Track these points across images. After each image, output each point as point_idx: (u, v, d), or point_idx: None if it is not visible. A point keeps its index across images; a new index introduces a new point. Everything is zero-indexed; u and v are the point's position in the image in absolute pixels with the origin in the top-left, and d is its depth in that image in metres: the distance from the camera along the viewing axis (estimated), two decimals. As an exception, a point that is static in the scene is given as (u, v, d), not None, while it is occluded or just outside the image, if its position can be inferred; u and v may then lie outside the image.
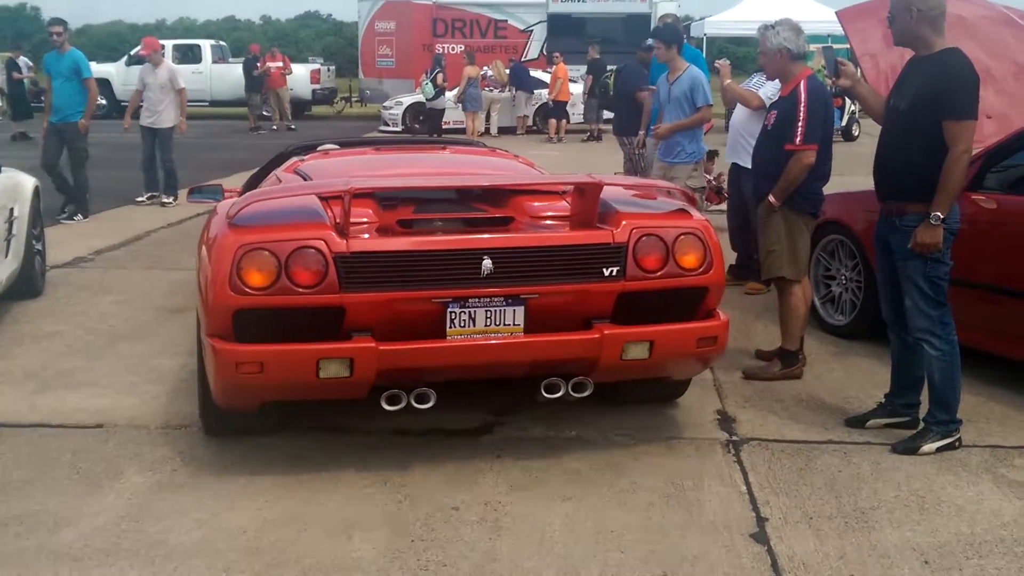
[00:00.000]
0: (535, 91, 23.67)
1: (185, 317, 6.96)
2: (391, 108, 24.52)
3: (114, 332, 6.60)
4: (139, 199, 11.94)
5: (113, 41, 52.65)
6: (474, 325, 4.11)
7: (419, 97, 21.82)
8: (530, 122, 24.09)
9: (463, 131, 21.87)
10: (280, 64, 25.27)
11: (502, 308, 4.12)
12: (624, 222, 4.30)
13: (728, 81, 7.55)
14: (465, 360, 4.12)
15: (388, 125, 24.45)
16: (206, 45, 29.82)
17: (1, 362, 5.88)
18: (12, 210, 6.95)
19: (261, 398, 4.23)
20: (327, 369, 3.94)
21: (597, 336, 4.16)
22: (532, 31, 27.95)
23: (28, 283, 7.32)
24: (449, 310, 4.08)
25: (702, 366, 4.64)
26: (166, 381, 5.59)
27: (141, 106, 12.05)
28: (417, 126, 22.14)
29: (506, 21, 28.00)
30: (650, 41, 8.17)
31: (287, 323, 3.95)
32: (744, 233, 7.85)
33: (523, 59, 26.26)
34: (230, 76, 27.74)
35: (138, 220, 11.02)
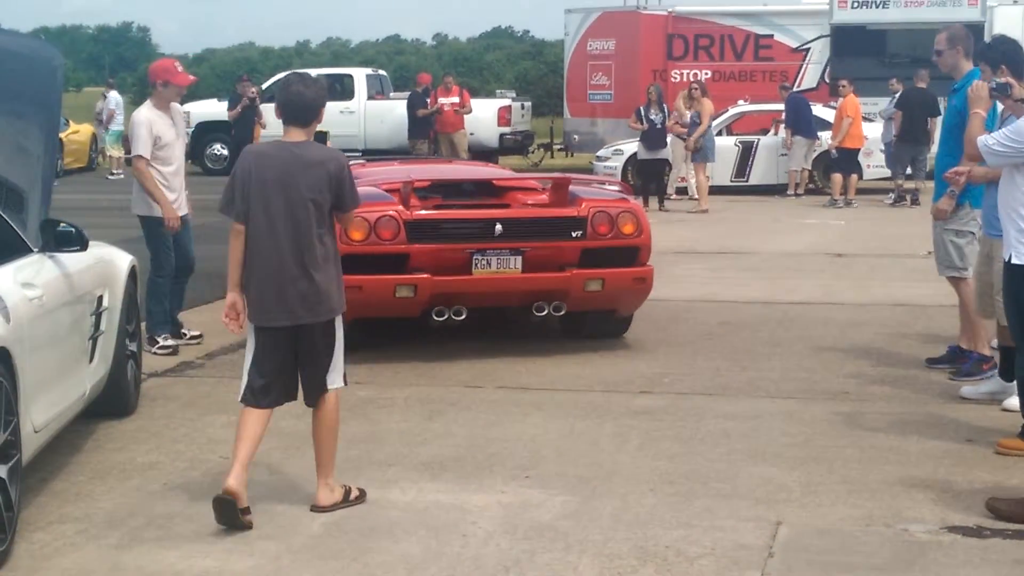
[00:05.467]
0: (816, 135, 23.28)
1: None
2: (607, 159, 24.80)
3: (224, 466, 6.85)
4: (160, 348, 9.84)
5: (242, 69, 55.84)
6: (490, 267, 9.25)
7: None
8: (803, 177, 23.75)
9: (685, 192, 21.81)
10: (456, 100, 26.02)
11: (508, 256, 9.26)
12: (584, 203, 9.53)
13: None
14: (484, 289, 9.32)
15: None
16: (360, 75, 31.20)
17: (79, 504, 6.20)
18: (101, 298, 7.40)
19: (357, 313, 8.16)
20: (400, 291, 9.08)
21: (568, 275, 9.35)
22: (809, 50, 27.86)
23: (117, 396, 7.74)
24: (474, 257, 9.22)
25: (639, 301, 9.94)
26: (290, 535, 5.75)
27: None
28: (640, 182, 22.25)
29: (772, 36, 28.04)
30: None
31: (375, 263, 8.81)
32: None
33: (797, 88, 26.14)
34: (391, 116, 28.81)
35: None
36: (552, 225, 9.48)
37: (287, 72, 6.90)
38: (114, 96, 31.18)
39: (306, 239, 5.95)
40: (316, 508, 6.07)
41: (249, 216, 5.98)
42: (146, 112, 9.71)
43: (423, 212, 9.31)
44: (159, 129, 9.61)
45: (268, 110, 26.03)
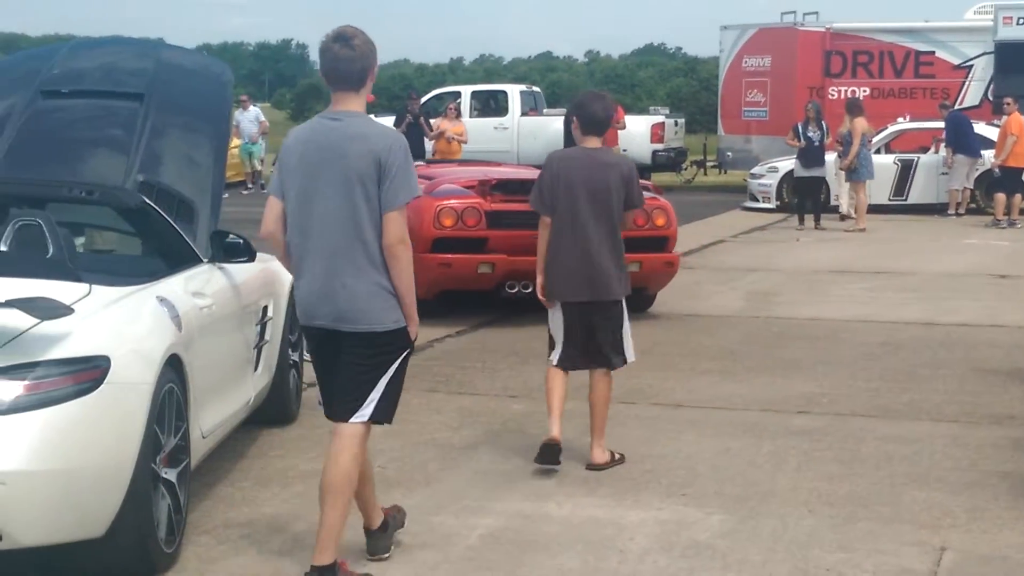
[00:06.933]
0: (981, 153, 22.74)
1: (476, 460, 7.22)
2: (761, 177, 24.63)
3: (382, 476, 6.93)
4: None
5: (397, 86, 56.60)
6: None
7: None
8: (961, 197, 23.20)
9: (839, 212, 21.43)
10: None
11: None
12: None
13: None
14: None
15: (757, 200, 24.51)
16: (514, 92, 31.44)
17: (242, 509, 6.36)
18: (266, 308, 7.57)
19: (444, 286, 11.49)
20: (481, 268, 11.44)
21: None
22: (972, 67, 27.28)
23: (279, 405, 7.90)
24: None
25: (666, 281, 12.13)
26: (448, 546, 5.82)
27: None
28: (796, 200, 21.98)
29: (933, 53, 27.54)
30: None
31: (461, 245, 11.13)
32: None
33: (958, 106, 25.63)
34: (544, 133, 28.94)
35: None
36: None
37: (582, 92, 7.76)
38: (253, 109, 31.76)
39: (604, 230, 7.07)
40: (592, 466, 7.01)
41: (556, 210, 7.08)
42: None
43: (499, 204, 11.61)
44: None
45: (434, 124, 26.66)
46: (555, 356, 7.19)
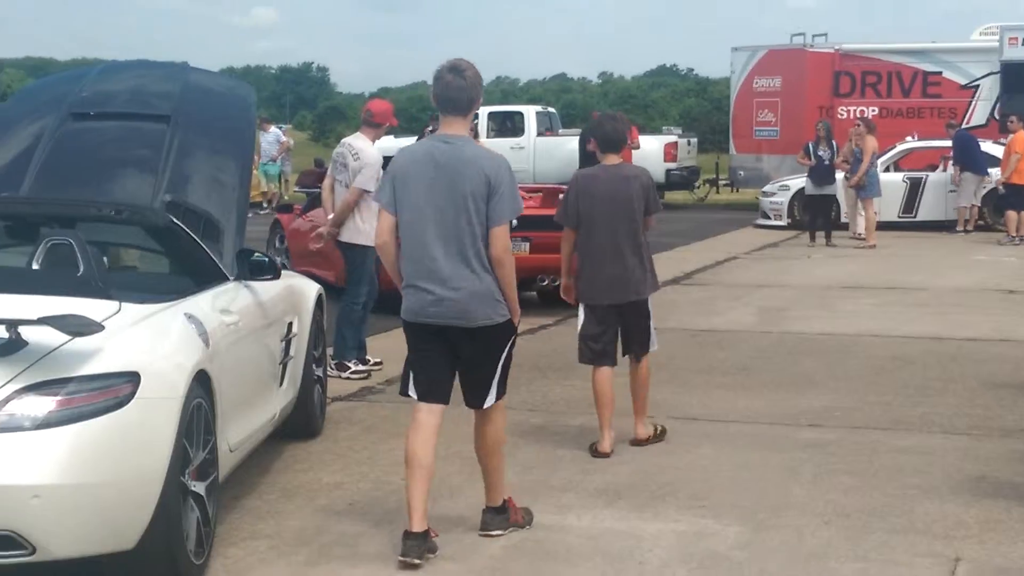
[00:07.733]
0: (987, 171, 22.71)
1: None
2: (773, 195, 24.64)
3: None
4: (353, 372, 10.11)
5: (414, 108, 56.67)
6: None
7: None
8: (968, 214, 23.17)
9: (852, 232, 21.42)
10: (624, 136, 26.03)
11: (520, 242, 12.69)
12: None
13: None
14: None
15: (769, 218, 24.52)
16: (530, 112, 31.46)
17: (269, 521, 6.37)
18: (291, 325, 7.60)
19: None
20: None
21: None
22: (978, 87, 27.28)
23: (304, 420, 7.93)
24: None
25: None
26: (470, 557, 5.84)
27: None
28: (808, 218, 21.96)
29: (940, 73, 27.56)
30: None
31: None
32: None
33: (965, 125, 25.62)
34: (560, 152, 28.97)
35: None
36: (550, 220, 11.64)
37: (598, 115, 8.15)
38: (274, 130, 31.84)
39: (628, 237, 7.59)
40: (636, 442, 7.76)
41: (582, 223, 7.60)
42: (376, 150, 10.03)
43: None
44: None
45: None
46: (580, 354, 7.78)
